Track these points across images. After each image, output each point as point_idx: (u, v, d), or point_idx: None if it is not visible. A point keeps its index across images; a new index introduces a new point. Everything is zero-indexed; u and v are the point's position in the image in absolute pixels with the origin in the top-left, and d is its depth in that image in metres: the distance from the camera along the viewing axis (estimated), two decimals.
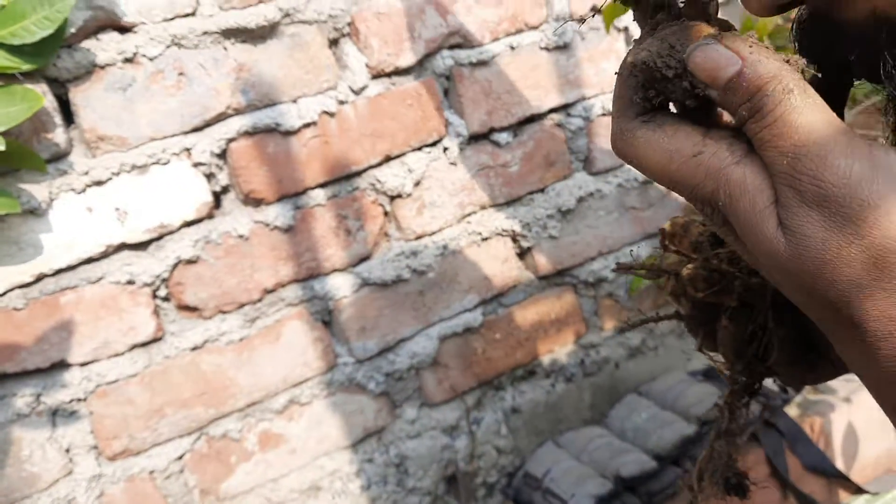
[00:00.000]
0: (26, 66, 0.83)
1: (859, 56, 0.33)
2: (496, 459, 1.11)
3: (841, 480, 1.17)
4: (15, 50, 0.82)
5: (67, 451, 0.89)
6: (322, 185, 0.99)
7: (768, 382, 1.25)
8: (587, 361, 1.18)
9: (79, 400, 0.89)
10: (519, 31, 1.08)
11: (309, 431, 1.01)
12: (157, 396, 0.92)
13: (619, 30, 1.15)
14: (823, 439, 1.18)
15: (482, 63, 1.06)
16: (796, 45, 0.36)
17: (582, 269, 1.16)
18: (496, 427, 1.11)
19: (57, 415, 0.89)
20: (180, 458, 0.94)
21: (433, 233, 1.06)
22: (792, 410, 1.18)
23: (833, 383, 1.24)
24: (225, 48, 0.93)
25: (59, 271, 0.88)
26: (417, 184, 1.04)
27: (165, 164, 0.91)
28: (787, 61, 0.31)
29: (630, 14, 1.11)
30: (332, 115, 0.98)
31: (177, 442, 0.94)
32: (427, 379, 1.07)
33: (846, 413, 1.20)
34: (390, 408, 1.06)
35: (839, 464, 1.16)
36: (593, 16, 0.40)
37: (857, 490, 1.18)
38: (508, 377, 1.13)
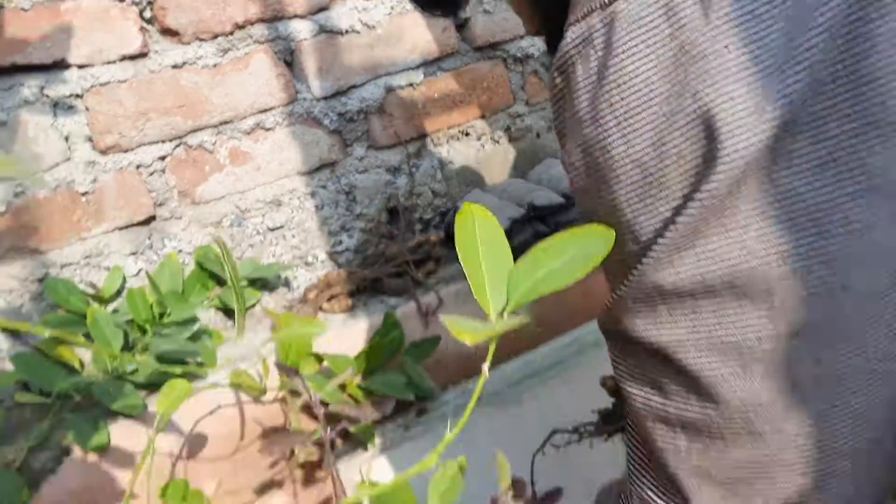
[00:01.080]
0: None
1: None
2: (432, 200, 1.30)
3: None
4: None
5: (66, 138, 1.05)
6: None
7: None
8: (513, 128, 1.37)
9: (76, 96, 1.05)
10: None
11: (273, 154, 1.19)
12: (143, 102, 1.09)
13: None
14: None
15: None
16: None
17: (512, 44, 1.34)
18: (433, 172, 1.30)
19: (58, 106, 1.05)
20: (163, 159, 1.11)
21: None
22: None
23: None
24: None
25: None
26: None
27: None
28: None
29: None
30: None
31: (160, 145, 1.11)
32: (374, 123, 1.25)
33: None
34: (342, 145, 1.24)
35: None
36: None
37: None
38: (445, 134, 1.32)
